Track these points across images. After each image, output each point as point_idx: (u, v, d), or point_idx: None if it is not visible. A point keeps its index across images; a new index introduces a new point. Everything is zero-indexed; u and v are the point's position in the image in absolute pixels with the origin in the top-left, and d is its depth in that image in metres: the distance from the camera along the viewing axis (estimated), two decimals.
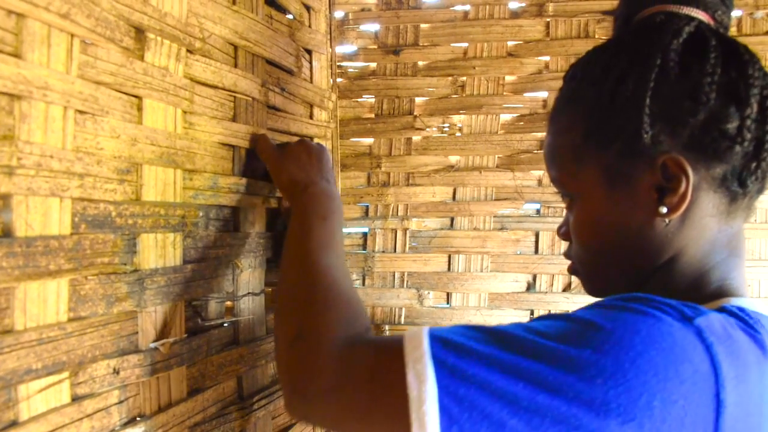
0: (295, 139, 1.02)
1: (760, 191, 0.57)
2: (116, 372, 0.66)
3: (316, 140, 1.13)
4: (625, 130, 0.56)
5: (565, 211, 0.71)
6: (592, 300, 0.58)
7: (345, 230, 1.39)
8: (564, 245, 0.73)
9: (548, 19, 1.34)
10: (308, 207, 0.82)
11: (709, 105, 0.53)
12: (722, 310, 0.53)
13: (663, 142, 0.55)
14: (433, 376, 0.47)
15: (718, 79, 0.53)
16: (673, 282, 0.59)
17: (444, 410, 0.46)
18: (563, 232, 0.71)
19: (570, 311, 0.54)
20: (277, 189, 0.95)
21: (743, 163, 0.54)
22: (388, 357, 0.53)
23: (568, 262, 0.71)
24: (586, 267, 0.68)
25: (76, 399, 0.61)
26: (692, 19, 0.57)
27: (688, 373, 0.46)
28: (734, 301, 0.56)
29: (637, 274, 0.62)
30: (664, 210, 0.56)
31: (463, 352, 0.49)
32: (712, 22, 0.60)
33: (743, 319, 0.52)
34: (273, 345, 0.98)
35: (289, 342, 0.65)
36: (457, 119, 1.38)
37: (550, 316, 0.53)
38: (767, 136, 0.54)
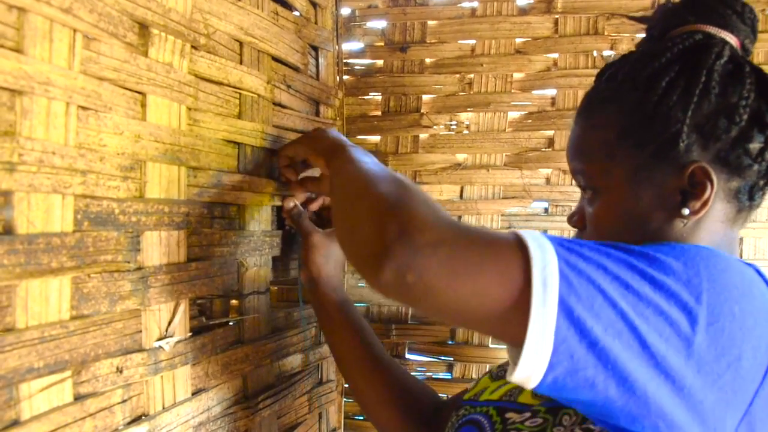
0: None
1: (759, 205, 0.65)
2: (119, 371, 0.65)
3: None
4: (663, 136, 0.62)
5: (579, 201, 0.74)
6: None
7: None
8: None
9: (557, 16, 1.32)
10: (356, 152, 0.79)
11: (740, 125, 0.60)
12: None
13: (694, 151, 0.61)
14: (553, 247, 0.50)
15: (753, 104, 0.60)
16: None
17: (564, 277, 0.48)
18: (575, 221, 0.74)
19: None
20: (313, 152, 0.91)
21: (755, 180, 0.62)
22: (502, 233, 0.53)
23: None
24: None
25: (78, 398, 0.60)
26: (726, 42, 0.64)
27: (758, 293, 0.54)
28: None
29: None
30: (686, 212, 0.61)
31: (576, 241, 0.52)
32: (739, 48, 0.66)
33: None
34: (277, 344, 0.98)
35: (389, 205, 0.57)
36: (465, 117, 1.37)
37: (638, 246, 0.56)
38: None
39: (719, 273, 0.52)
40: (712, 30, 0.65)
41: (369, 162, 0.73)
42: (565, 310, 0.47)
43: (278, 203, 0.97)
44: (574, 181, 0.74)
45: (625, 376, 0.47)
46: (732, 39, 0.65)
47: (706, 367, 0.49)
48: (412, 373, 1.05)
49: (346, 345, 0.95)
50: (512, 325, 0.49)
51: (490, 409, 0.70)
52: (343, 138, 0.88)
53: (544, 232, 0.54)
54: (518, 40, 1.34)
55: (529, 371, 0.49)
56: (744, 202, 0.63)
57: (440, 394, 0.99)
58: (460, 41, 1.36)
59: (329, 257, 0.96)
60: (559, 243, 0.51)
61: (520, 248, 0.50)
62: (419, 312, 1.34)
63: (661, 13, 0.71)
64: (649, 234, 0.64)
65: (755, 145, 0.61)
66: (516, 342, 0.49)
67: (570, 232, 1.30)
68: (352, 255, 0.64)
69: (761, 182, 0.63)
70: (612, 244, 0.54)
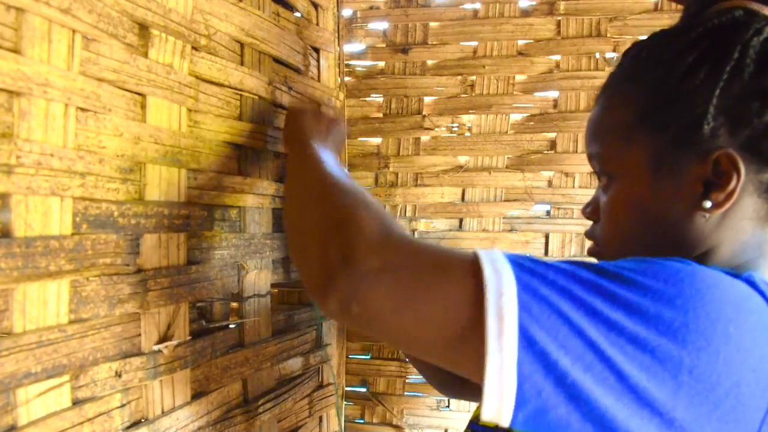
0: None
1: None
2: (118, 375, 0.64)
3: None
4: (686, 118, 0.55)
5: (595, 191, 0.69)
6: None
7: None
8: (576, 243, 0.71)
9: (559, 18, 1.32)
10: (306, 151, 0.76)
11: None
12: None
13: (720, 137, 0.54)
14: (511, 271, 0.45)
15: None
16: None
17: (523, 306, 0.43)
18: (589, 211, 0.69)
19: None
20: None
21: None
22: (456, 253, 0.48)
23: (587, 246, 0.69)
24: (612, 251, 0.65)
25: (76, 403, 0.59)
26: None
27: (755, 307, 0.48)
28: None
29: None
30: (708, 205, 0.55)
31: (539, 263, 0.47)
32: None
33: None
34: (278, 347, 0.97)
35: (334, 223, 0.55)
36: (467, 119, 1.36)
37: (612, 263, 0.51)
38: None
39: (707, 289, 0.46)
40: (756, 6, 0.57)
41: (325, 165, 0.68)
42: (527, 342, 0.42)
43: (279, 206, 0.97)
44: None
45: (601, 413, 0.42)
46: None
47: (700, 396, 0.43)
48: None
49: None
50: (468, 359, 0.45)
51: None
52: (311, 126, 0.83)
53: (513, 254, 0.48)
54: (520, 42, 1.34)
55: (496, 409, 0.44)
56: None
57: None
58: (461, 43, 1.35)
59: None
60: (519, 265, 0.46)
61: (473, 273, 0.45)
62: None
63: None
64: (667, 229, 0.58)
65: None
66: (477, 378, 0.44)
67: (572, 236, 1.30)
68: (301, 276, 0.61)
69: None
70: (582, 263, 0.49)
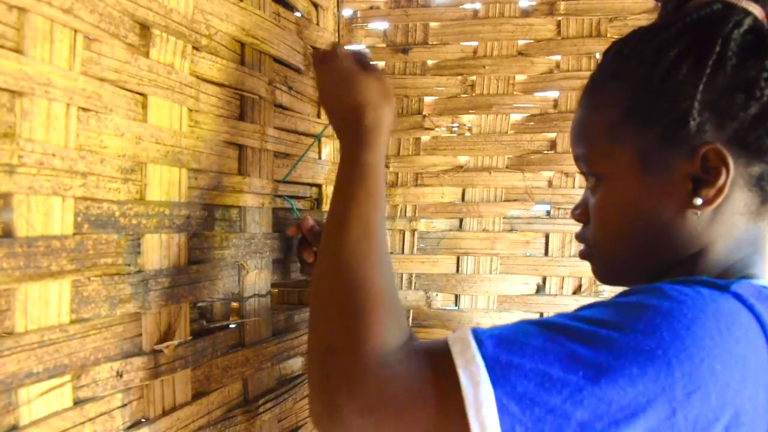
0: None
1: None
2: (120, 375, 0.64)
3: (324, 140, 1.11)
4: (671, 114, 0.54)
5: (583, 192, 0.68)
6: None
7: None
8: (569, 246, 0.71)
9: (559, 18, 1.32)
10: (358, 165, 0.68)
11: (762, 101, 0.51)
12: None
13: (707, 132, 0.53)
14: (487, 376, 0.45)
15: None
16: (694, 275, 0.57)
17: (504, 411, 0.43)
18: (578, 213, 0.68)
19: (608, 299, 0.52)
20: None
21: None
22: (434, 365, 0.49)
23: (578, 265, 0.69)
24: (602, 253, 0.65)
25: (78, 402, 0.59)
26: (749, 13, 0.55)
27: (741, 333, 0.46)
28: (756, 282, 0.55)
29: (656, 266, 0.60)
30: (698, 202, 0.54)
31: (514, 346, 0.46)
32: (765, 20, 0.57)
33: None
34: (278, 347, 0.97)
35: (321, 352, 0.56)
36: (467, 119, 1.36)
37: (591, 305, 0.52)
38: None
39: (686, 329, 0.45)
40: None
41: (370, 213, 0.64)
42: None
43: (279, 205, 0.97)
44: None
45: None
46: (756, 9, 0.56)
47: None
48: None
49: None
50: None
51: None
52: (368, 95, 0.72)
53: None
54: (521, 42, 1.34)
55: None
56: None
57: None
58: (462, 43, 1.36)
59: None
60: (495, 356, 0.45)
61: (456, 390, 0.45)
62: None
63: None
64: (658, 229, 0.57)
65: None
66: None
67: (572, 236, 1.30)
68: (308, 370, 0.60)
69: None
70: (556, 323, 0.48)
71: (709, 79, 0.52)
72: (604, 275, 0.67)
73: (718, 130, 0.53)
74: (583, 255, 0.69)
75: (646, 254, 0.60)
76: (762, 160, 0.53)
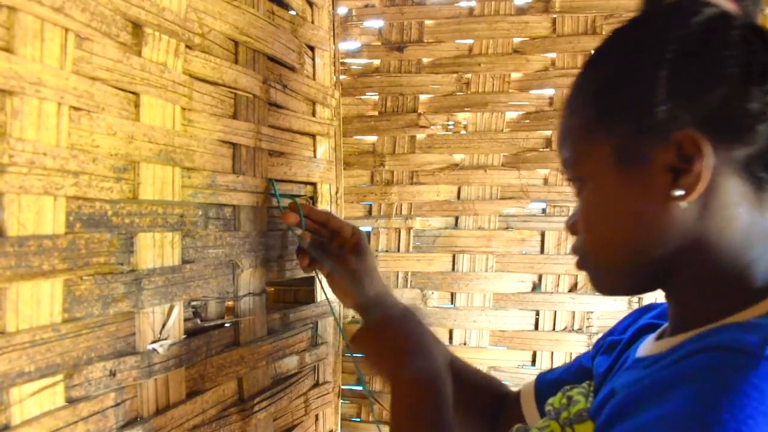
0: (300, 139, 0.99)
1: None
2: (113, 374, 0.64)
3: (318, 138, 1.11)
4: (640, 105, 0.54)
5: (576, 204, 0.67)
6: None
7: None
8: (563, 253, 0.71)
9: (555, 16, 1.32)
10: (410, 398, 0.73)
11: (729, 80, 0.50)
12: None
13: (678, 117, 0.52)
14: None
15: (742, 57, 0.50)
16: (706, 278, 0.55)
17: None
18: (572, 225, 0.67)
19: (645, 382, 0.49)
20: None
21: (766, 146, 0.51)
22: None
23: (574, 261, 0.68)
24: (596, 260, 0.63)
25: (71, 402, 0.59)
26: (717, 6, 0.54)
27: None
28: None
29: (651, 268, 0.58)
30: (679, 192, 0.52)
31: None
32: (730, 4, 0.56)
33: None
34: (273, 345, 0.97)
35: None
36: (462, 117, 1.36)
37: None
38: None
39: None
40: None
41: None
42: None
43: (273, 204, 0.97)
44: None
45: None
46: (728, 4, 0.55)
47: None
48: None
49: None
50: None
51: None
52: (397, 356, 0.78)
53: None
54: (516, 40, 1.34)
55: None
56: (761, 175, 0.52)
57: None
58: (457, 41, 1.36)
59: (362, 279, 0.92)
60: None
61: None
62: None
63: None
64: (644, 226, 0.56)
65: (755, 104, 0.50)
66: None
67: (568, 234, 1.30)
68: None
69: None
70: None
71: (671, 64, 0.52)
72: (601, 286, 0.65)
73: (689, 115, 0.52)
74: (579, 266, 0.68)
75: (636, 256, 0.59)
76: (742, 142, 0.51)
